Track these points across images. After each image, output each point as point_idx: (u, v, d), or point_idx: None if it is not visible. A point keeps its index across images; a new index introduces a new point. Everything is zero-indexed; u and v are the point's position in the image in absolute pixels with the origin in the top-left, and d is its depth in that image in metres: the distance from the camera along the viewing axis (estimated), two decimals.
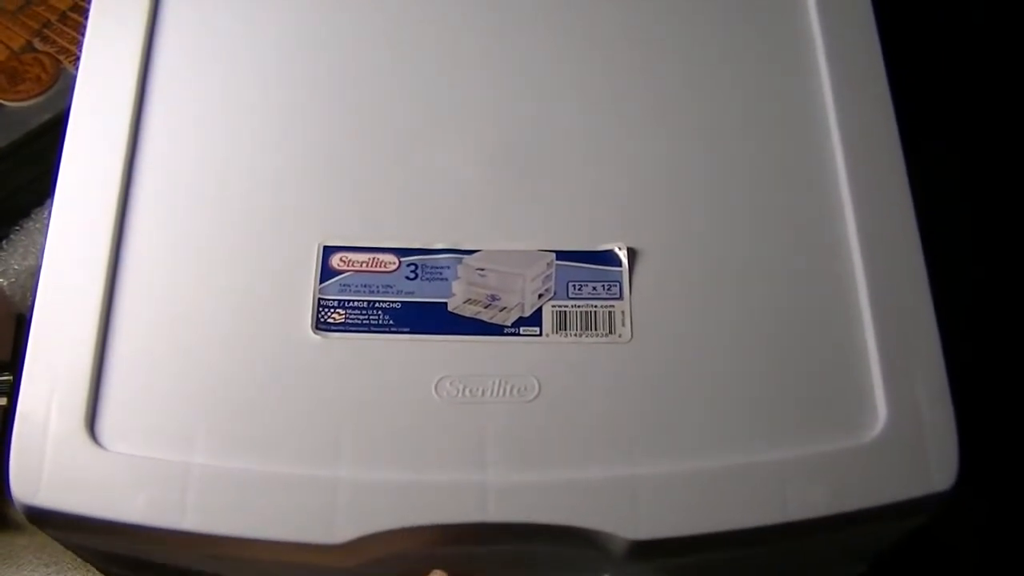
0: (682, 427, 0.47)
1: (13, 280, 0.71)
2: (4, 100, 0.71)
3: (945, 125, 0.80)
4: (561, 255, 0.50)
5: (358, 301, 0.48)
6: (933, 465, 0.46)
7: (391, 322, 0.48)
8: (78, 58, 0.55)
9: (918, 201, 0.51)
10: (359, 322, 0.48)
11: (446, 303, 0.49)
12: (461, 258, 0.50)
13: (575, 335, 0.48)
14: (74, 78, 0.54)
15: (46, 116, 0.70)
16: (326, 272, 0.49)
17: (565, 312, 0.49)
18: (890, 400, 0.47)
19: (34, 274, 0.69)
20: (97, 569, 0.57)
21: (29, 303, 0.66)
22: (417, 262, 0.49)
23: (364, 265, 0.49)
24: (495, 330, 0.48)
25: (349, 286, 0.49)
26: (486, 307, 0.49)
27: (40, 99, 0.71)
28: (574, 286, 0.49)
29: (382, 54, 0.55)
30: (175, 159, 0.52)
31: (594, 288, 0.49)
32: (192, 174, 0.52)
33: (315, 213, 0.51)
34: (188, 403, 0.46)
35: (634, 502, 0.45)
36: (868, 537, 0.51)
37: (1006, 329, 0.75)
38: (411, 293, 0.49)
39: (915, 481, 0.46)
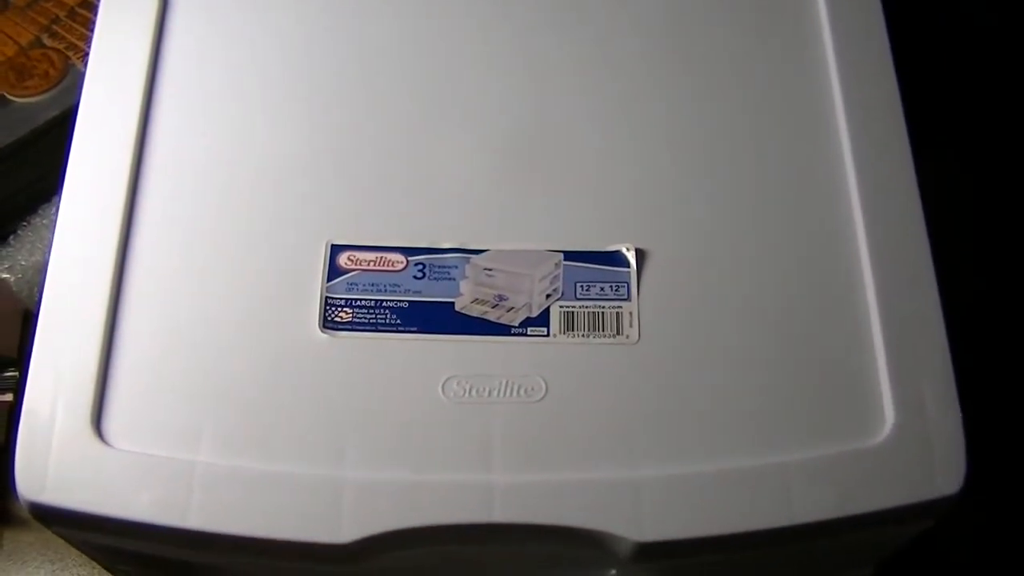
0: (689, 429, 0.47)
1: (20, 276, 0.71)
2: (12, 96, 0.71)
3: (954, 129, 0.80)
4: (569, 255, 0.50)
5: (365, 300, 0.48)
6: (940, 469, 0.46)
7: (398, 321, 0.48)
8: (86, 54, 0.55)
9: (927, 205, 0.51)
10: (366, 321, 0.48)
11: (453, 303, 0.49)
12: (469, 258, 0.49)
13: (582, 336, 0.48)
14: (82, 74, 0.54)
15: (54, 112, 0.70)
16: (334, 271, 0.49)
17: (573, 313, 0.49)
18: (897, 403, 0.47)
19: (41, 270, 0.69)
20: (102, 566, 0.57)
21: (36, 299, 0.67)
22: (425, 261, 0.49)
23: (372, 264, 0.49)
24: (502, 330, 0.48)
25: (356, 285, 0.49)
26: (493, 307, 0.49)
27: (48, 95, 0.71)
28: (582, 287, 0.49)
29: (391, 53, 0.55)
30: (183, 156, 0.52)
31: (602, 289, 0.49)
32: (200, 171, 0.52)
33: (323, 212, 0.51)
34: (194, 401, 0.46)
35: (640, 504, 0.44)
36: (873, 540, 0.51)
37: (1015, 333, 0.75)
38: (418, 292, 0.49)
39: (922, 485, 0.46)
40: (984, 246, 0.78)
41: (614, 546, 0.45)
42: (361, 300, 0.48)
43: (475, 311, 0.49)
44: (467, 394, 0.47)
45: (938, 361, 0.48)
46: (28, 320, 0.70)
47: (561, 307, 0.49)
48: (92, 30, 0.55)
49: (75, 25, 0.75)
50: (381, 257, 0.49)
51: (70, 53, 0.73)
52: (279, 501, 0.44)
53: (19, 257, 0.71)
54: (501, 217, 0.51)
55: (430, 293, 0.49)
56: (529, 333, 0.48)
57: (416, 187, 0.51)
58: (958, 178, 0.78)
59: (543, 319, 0.48)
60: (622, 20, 0.56)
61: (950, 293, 0.49)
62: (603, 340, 0.48)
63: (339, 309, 0.48)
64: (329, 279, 0.49)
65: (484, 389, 0.47)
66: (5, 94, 0.71)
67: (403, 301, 0.48)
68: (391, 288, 0.49)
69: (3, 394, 0.68)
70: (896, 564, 0.56)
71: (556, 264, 0.50)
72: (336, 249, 0.50)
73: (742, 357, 0.48)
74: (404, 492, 0.44)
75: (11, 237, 0.72)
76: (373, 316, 0.48)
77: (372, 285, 0.49)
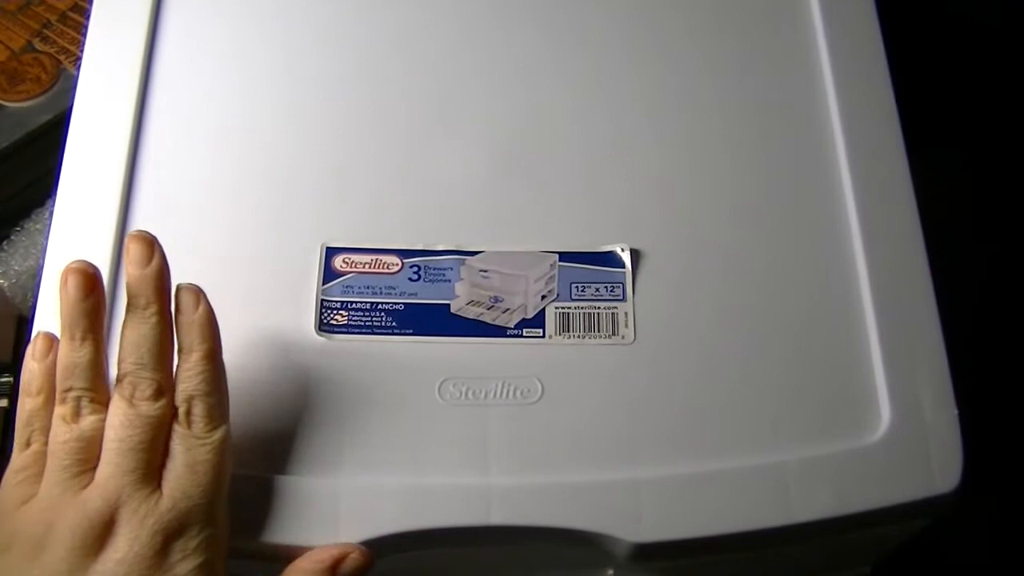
0: (685, 429, 0.47)
1: (14, 281, 0.70)
2: (4, 101, 0.71)
3: (949, 127, 0.80)
4: (564, 256, 0.50)
5: (361, 303, 0.48)
6: (936, 467, 0.46)
7: (394, 324, 0.48)
8: (78, 58, 0.55)
9: (921, 203, 0.51)
10: (362, 324, 0.48)
11: (449, 305, 0.49)
12: (464, 259, 0.49)
13: (578, 337, 0.48)
14: (74, 78, 0.54)
15: (46, 116, 0.70)
16: (329, 274, 0.49)
17: (568, 313, 0.49)
18: (894, 402, 0.47)
19: (35, 275, 0.69)
20: None
21: (30, 304, 0.66)
22: (420, 263, 0.49)
23: (367, 267, 0.49)
24: (498, 332, 0.48)
25: (352, 287, 0.49)
26: (489, 308, 0.49)
27: (40, 99, 0.71)
28: (577, 287, 0.49)
29: (386, 55, 0.55)
30: (177, 160, 0.52)
31: (597, 289, 0.49)
32: (194, 175, 0.52)
33: (317, 214, 0.51)
34: None
35: (637, 504, 0.45)
36: (871, 538, 0.51)
37: (1010, 331, 0.75)
38: (414, 295, 0.49)
39: (919, 483, 0.46)
40: (982, 245, 0.78)
41: (612, 547, 0.45)
42: (357, 303, 0.48)
43: (471, 313, 0.48)
44: (463, 396, 0.47)
45: (934, 359, 0.48)
46: (23, 325, 0.70)
47: (556, 308, 0.49)
48: (84, 34, 0.55)
49: (67, 29, 0.75)
50: (376, 259, 0.49)
51: (62, 57, 0.73)
52: (276, 505, 0.44)
53: (13, 262, 0.71)
54: (496, 218, 0.51)
55: (426, 295, 0.49)
56: (525, 334, 0.48)
57: (411, 189, 0.51)
58: (955, 176, 0.78)
59: (538, 320, 0.48)
60: (617, 22, 0.56)
61: (949, 291, 0.50)
62: (599, 341, 0.48)
63: (335, 312, 0.48)
64: (324, 282, 0.49)
65: (480, 391, 0.47)
66: None
67: (399, 303, 0.48)
68: (387, 290, 0.49)
69: None
70: (897, 563, 0.56)
71: (551, 265, 0.50)
72: (331, 252, 0.49)
73: (738, 357, 0.48)
74: (401, 495, 0.44)
75: (5, 242, 0.72)
76: (369, 319, 0.48)
77: (367, 288, 0.49)
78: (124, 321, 0.43)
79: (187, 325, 0.43)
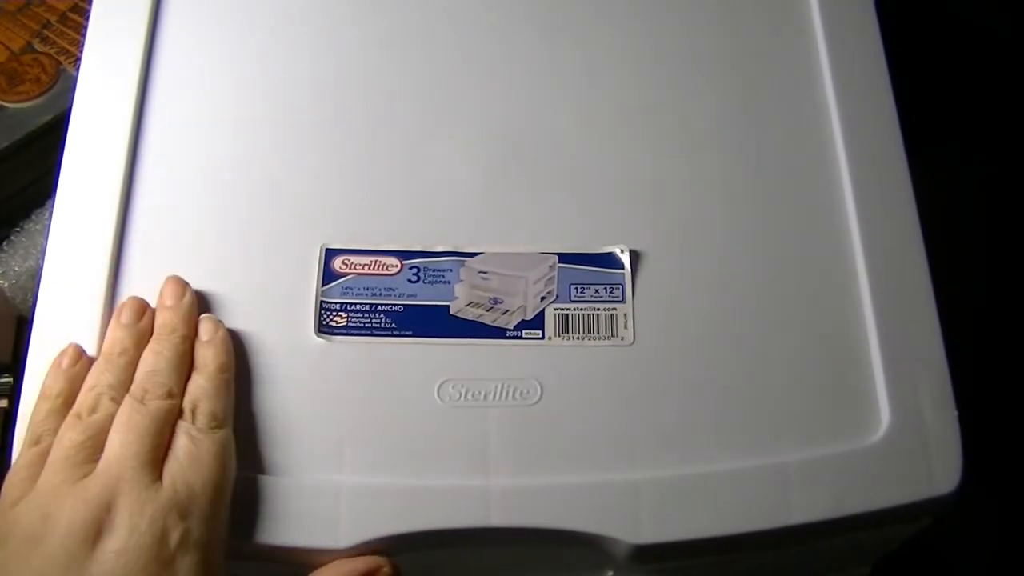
0: (685, 430, 0.47)
1: (14, 281, 0.70)
2: (4, 101, 0.71)
3: (948, 128, 0.80)
4: (563, 257, 0.50)
5: (360, 304, 0.48)
6: (936, 468, 0.46)
7: (393, 325, 0.48)
8: (78, 59, 0.55)
9: (921, 203, 0.51)
10: (361, 325, 0.48)
11: (448, 306, 0.49)
12: (463, 261, 0.49)
13: (577, 338, 0.48)
14: (74, 79, 0.54)
15: (46, 117, 0.70)
16: (328, 275, 0.49)
17: (567, 315, 0.49)
18: (893, 403, 0.47)
19: (35, 275, 0.69)
20: None
21: (30, 305, 0.66)
22: (419, 265, 0.49)
23: (366, 268, 0.49)
24: (497, 333, 0.48)
25: (351, 289, 0.49)
26: (488, 310, 0.49)
27: (40, 100, 0.71)
28: (576, 289, 0.49)
29: (385, 56, 0.55)
30: (176, 161, 0.52)
31: (596, 291, 0.49)
32: (193, 176, 0.52)
33: (317, 216, 0.51)
34: None
35: (637, 506, 0.45)
36: (871, 539, 0.51)
37: (1010, 332, 0.75)
38: (413, 296, 0.49)
39: (918, 484, 0.46)
40: (982, 245, 0.78)
41: (612, 548, 0.45)
42: (356, 304, 0.48)
43: (470, 314, 0.48)
44: (463, 398, 0.47)
45: (933, 360, 0.48)
46: (23, 326, 0.70)
47: (556, 309, 0.49)
48: (84, 35, 0.55)
49: (66, 30, 0.75)
50: (376, 261, 0.49)
51: (61, 58, 0.73)
52: (277, 506, 0.44)
53: (12, 262, 0.71)
54: (495, 219, 0.51)
55: (425, 297, 0.49)
56: (524, 336, 0.48)
57: (410, 190, 0.51)
58: (955, 177, 0.78)
59: (538, 321, 0.48)
60: (615, 23, 0.56)
61: (949, 292, 0.50)
62: (598, 342, 0.48)
63: (334, 313, 0.48)
64: (324, 283, 0.49)
65: (480, 393, 0.47)
66: None
67: (398, 305, 0.48)
68: (386, 292, 0.49)
69: None
70: (895, 562, 0.56)
71: (551, 266, 0.50)
72: (330, 253, 0.49)
73: (737, 358, 0.48)
74: (401, 496, 0.44)
75: (5, 243, 0.72)
76: (368, 320, 0.48)
77: (367, 289, 0.49)
78: (148, 345, 0.45)
79: (204, 345, 0.46)
